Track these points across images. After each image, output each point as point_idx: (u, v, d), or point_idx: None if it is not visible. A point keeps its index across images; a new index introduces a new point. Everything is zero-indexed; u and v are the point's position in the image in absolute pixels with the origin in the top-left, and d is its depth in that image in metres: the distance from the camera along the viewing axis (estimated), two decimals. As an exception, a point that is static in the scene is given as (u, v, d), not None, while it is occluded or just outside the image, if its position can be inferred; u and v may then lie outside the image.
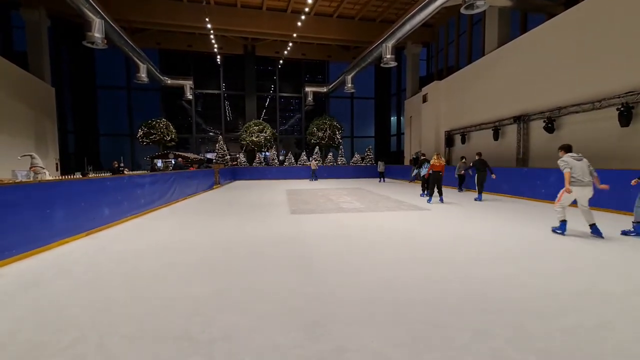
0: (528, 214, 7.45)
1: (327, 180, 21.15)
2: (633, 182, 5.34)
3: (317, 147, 25.51)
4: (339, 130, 25.87)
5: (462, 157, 12.70)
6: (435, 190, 9.45)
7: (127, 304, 2.86)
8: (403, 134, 26.14)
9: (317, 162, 22.19)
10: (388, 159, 28.05)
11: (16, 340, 2.30)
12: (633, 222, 5.25)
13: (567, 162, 5.08)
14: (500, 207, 8.61)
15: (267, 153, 25.80)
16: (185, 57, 26.17)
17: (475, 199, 9.90)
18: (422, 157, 11.89)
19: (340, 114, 29.14)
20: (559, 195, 5.34)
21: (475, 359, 2.02)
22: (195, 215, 7.94)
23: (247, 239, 5.31)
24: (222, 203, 10.26)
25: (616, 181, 7.56)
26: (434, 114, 19.18)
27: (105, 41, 14.79)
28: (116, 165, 14.95)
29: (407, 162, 23.28)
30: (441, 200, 9.47)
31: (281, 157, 27.20)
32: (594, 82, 9.64)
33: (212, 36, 20.15)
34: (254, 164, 24.35)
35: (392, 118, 30.48)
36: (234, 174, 21.96)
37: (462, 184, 12.70)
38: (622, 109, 8.49)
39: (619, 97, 8.68)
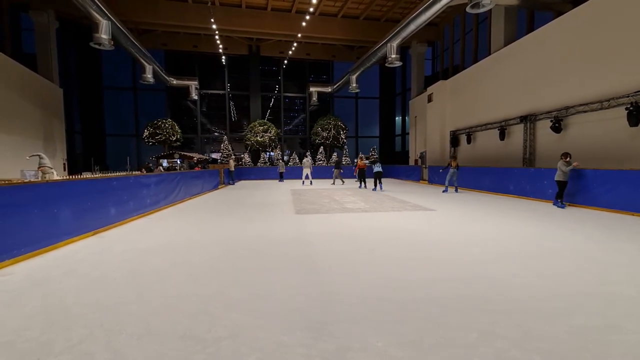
0: (534, 214, 7.37)
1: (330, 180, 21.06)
2: (441, 170, 9.35)
3: (322, 147, 25.51)
4: (343, 130, 25.84)
5: (567, 154, 8.18)
6: (377, 182, 14.06)
7: (133, 303, 2.89)
8: (408, 134, 26.02)
9: (234, 162, 19.39)
10: (393, 159, 28.03)
11: (24, 338, 2.33)
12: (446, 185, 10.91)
13: (304, 162, 14.65)
14: (506, 207, 8.53)
15: (271, 153, 25.87)
16: (191, 57, 26.34)
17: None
18: (373, 157, 14.46)
19: (344, 114, 29.14)
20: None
21: (481, 359, 2.01)
22: (200, 215, 7.99)
23: (251, 239, 5.33)
24: (226, 203, 10.31)
25: (623, 182, 7.47)
26: (439, 114, 19.05)
27: (112, 42, 14.97)
28: (150, 165, 16.78)
29: (412, 162, 23.16)
30: (364, 186, 14.50)
31: (285, 157, 27.24)
32: (602, 81, 9.51)
33: (217, 37, 20.26)
34: (259, 164, 24.46)
35: (397, 118, 30.35)
36: (238, 173, 22.01)
37: (563, 192, 8.27)
38: (631, 108, 8.36)
39: (627, 97, 8.55)
